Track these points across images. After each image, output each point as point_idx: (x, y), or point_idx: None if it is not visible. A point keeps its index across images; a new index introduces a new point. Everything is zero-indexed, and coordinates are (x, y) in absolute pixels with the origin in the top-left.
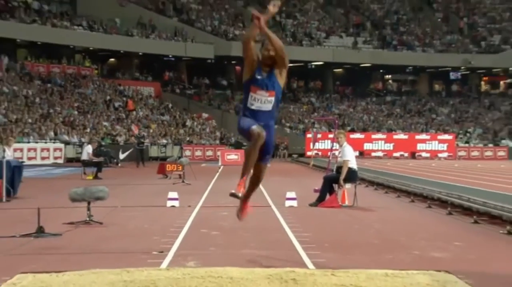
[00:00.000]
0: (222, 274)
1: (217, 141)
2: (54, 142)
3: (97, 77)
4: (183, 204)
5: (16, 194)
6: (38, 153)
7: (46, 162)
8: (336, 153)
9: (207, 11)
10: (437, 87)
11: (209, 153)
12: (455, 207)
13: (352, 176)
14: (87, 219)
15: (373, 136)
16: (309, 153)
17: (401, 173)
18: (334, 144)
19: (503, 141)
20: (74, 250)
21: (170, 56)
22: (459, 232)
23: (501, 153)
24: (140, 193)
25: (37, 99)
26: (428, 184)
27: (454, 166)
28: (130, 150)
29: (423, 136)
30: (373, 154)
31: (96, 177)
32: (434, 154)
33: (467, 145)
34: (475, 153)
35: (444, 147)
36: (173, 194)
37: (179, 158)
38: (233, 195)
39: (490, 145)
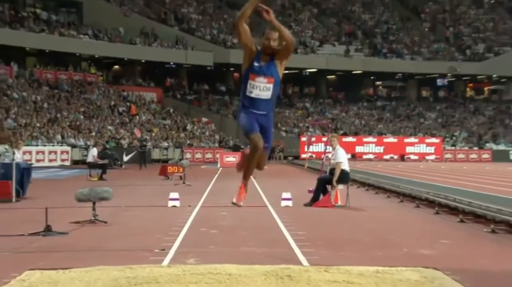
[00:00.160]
0: (220, 270)
1: (216, 145)
2: (61, 146)
3: (102, 84)
4: (184, 204)
5: (25, 194)
6: (46, 155)
7: (53, 164)
8: (329, 155)
9: (206, 21)
10: (424, 93)
11: (209, 155)
12: (442, 207)
13: (344, 177)
14: (92, 218)
15: (365, 139)
16: (303, 155)
17: (391, 174)
18: (328, 146)
19: (487, 144)
20: (80, 248)
21: (172, 63)
22: (445, 230)
23: (486, 155)
24: (142, 193)
25: (45, 105)
26: (416, 185)
27: (441, 167)
28: (133, 153)
29: (412, 139)
30: (365, 157)
31: (101, 178)
32: (422, 157)
33: (453, 147)
34: (461, 156)
35: (431, 149)
36: (174, 195)
37: (180, 160)
38: (234, 204)
39: (475, 148)
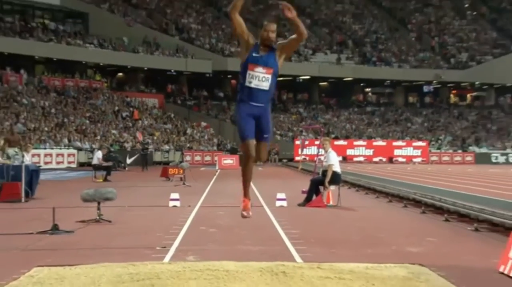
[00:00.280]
0: (219, 267)
1: (215, 148)
2: (68, 149)
3: (107, 90)
4: (184, 204)
5: (34, 195)
6: (53, 158)
7: (60, 166)
8: (322, 157)
9: (205, 31)
10: (411, 99)
11: (207, 158)
12: (428, 207)
13: (336, 178)
14: (97, 217)
15: (355, 143)
16: (297, 158)
17: (380, 176)
18: (320, 149)
19: (470, 147)
20: (86, 246)
21: (172, 71)
22: (432, 229)
23: (469, 158)
24: (145, 194)
25: (53, 110)
26: (404, 186)
27: (427, 169)
28: (136, 155)
29: (400, 143)
30: (355, 159)
31: (105, 179)
32: (409, 159)
33: (438, 151)
34: (446, 158)
35: (418, 152)
36: (174, 195)
37: (180, 162)
38: (244, 217)
39: (459, 151)
